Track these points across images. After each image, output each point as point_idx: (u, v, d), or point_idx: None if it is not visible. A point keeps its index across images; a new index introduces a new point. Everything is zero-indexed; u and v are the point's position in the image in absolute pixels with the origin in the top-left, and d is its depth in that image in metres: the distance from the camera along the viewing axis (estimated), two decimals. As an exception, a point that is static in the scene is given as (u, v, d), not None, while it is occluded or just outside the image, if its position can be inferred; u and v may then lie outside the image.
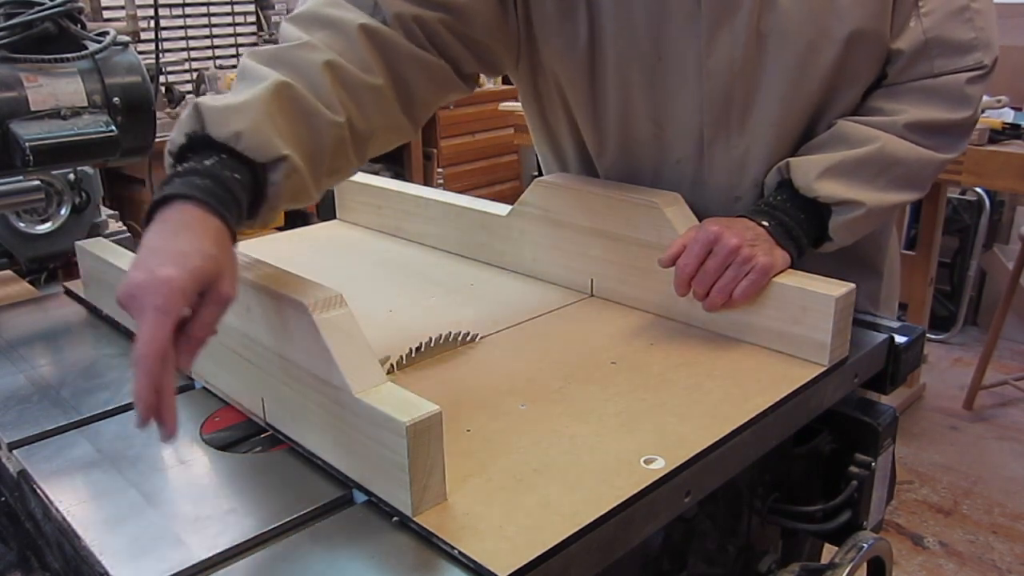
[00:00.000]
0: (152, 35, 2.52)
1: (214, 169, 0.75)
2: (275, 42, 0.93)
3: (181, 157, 0.79)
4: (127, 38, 1.18)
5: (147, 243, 0.70)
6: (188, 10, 3.95)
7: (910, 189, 1.08)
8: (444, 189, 1.38)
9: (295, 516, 0.72)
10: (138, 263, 0.69)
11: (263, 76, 0.83)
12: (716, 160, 1.12)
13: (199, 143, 0.78)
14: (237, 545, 0.69)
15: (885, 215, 1.10)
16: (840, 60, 1.03)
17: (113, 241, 1.22)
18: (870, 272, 1.24)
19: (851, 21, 1.01)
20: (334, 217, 1.59)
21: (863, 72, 1.07)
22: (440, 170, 4.41)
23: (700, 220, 1.08)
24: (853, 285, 0.95)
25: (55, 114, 1.07)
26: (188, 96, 3.70)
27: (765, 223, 1.03)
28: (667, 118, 1.11)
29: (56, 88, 1.07)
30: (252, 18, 4.17)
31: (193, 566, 0.67)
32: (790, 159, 1.07)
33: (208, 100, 0.78)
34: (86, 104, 1.10)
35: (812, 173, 1.04)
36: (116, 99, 1.12)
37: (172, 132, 0.79)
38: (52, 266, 1.43)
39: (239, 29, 4.15)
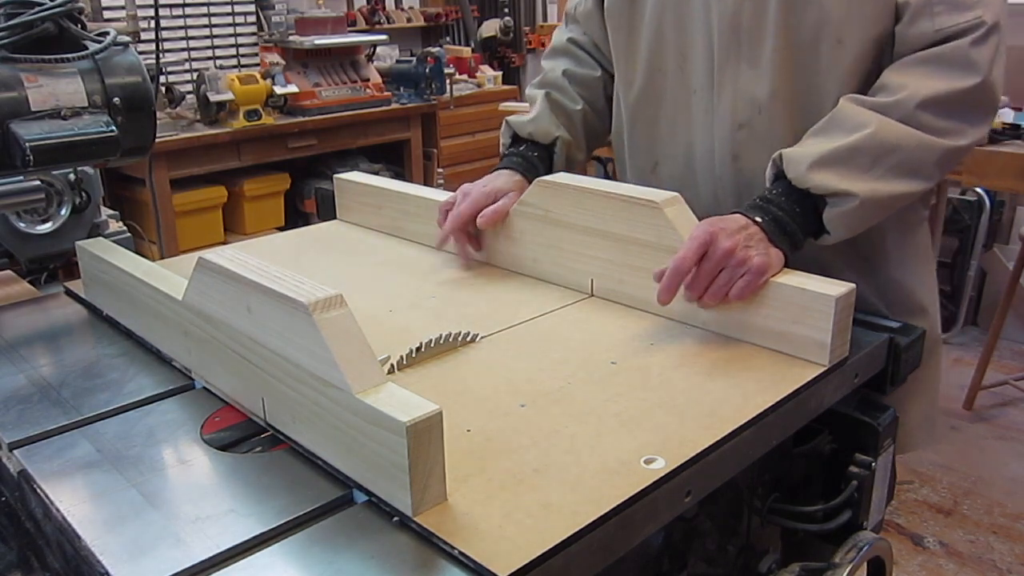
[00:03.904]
0: (152, 35, 2.52)
1: (524, 152, 1.37)
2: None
3: (508, 148, 1.40)
4: (127, 38, 1.17)
5: (484, 178, 1.33)
6: (188, 10, 3.94)
7: (911, 178, 1.06)
8: (444, 189, 1.39)
9: (295, 516, 0.73)
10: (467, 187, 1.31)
11: (536, 96, 1.41)
12: (725, 88, 1.19)
13: (514, 141, 1.41)
14: (237, 545, 0.69)
15: (884, 207, 1.08)
16: None
17: (113, 241, 1.22)
18: (921, 315, 1.23)
19: None
20: (334, 217, 1.59)
21: (867, 9, 1.09)
22: (440, 170, 4.41)
23: (709, 155, 1.22)
24: (853, 285, 0.95)
25: (55, 114, 1.07)
26: (188, 96, 3.70)
27: (759, 219, 1.03)
28: (689, 48, 1.21)
29: (56, 88, 1.07)
30: (252, 18, 4.16)
31: (193, 566, 0.67)
32: (783, 151, 1.07)
33: (514, 118, 1.41)
34: (86, 104, 1.09)
35: (803, 164, 1.04)
36: (116, 99, 1.12)
37: (501, 137, 1.44)
38: (52, 266, 1.43)
39: (239, 29, 4.15)
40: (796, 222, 1.04)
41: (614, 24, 1.32)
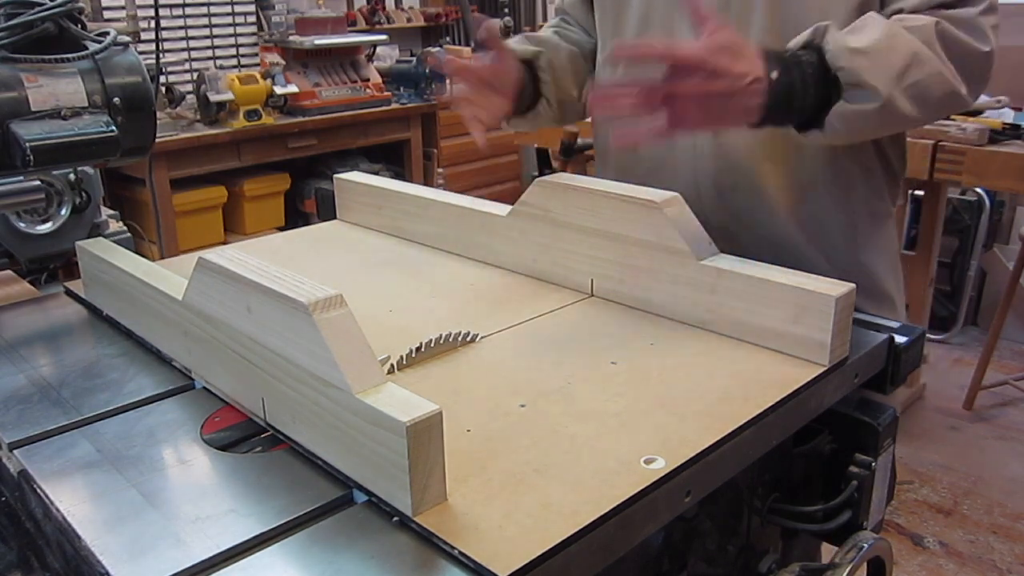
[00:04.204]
0: (152, 35, 2.52)
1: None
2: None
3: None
4: (127, 38, 1.17)
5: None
6: (188, 10, 3.95)
7: (919, 104, 1.04)
8: (444, 189, 1.39)
9: (295, 516, 0.73)
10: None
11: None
12: None
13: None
14: (237, 545, 0.69)
15: (883, 126, 1.06)
16: None
17: (113, 241, 1.22)
18: (889, 305, 1.26)
19: None
20: (334, 217, 1.59)
21: None
22: (440, 170, 4.41)
23: (691, 140, 1.23)
24: (853, 285, 0.95)
25: (55, 114, 1.07)
26: (188, 96, 3.71)
27: (774, 74, 0.98)
28: (676, 31, 1.22)
29: (56, 88, 1.07)
30: (252, 18, 4.17)
31: (193, 566, 0.67)
32: (828, 26, 1.04)
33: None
34: (86, 104, 1.09)
35: (845, 44, 1.01)
36: (116, 99, 1.12)
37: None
38: (52, 266, 1.43)
39: (239, 29, 4.15)
40: (808, 98, 1.01)
41: (602, 8, 1.35)
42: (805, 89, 1.01)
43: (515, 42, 1.34)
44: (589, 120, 1.49)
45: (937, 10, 1.07)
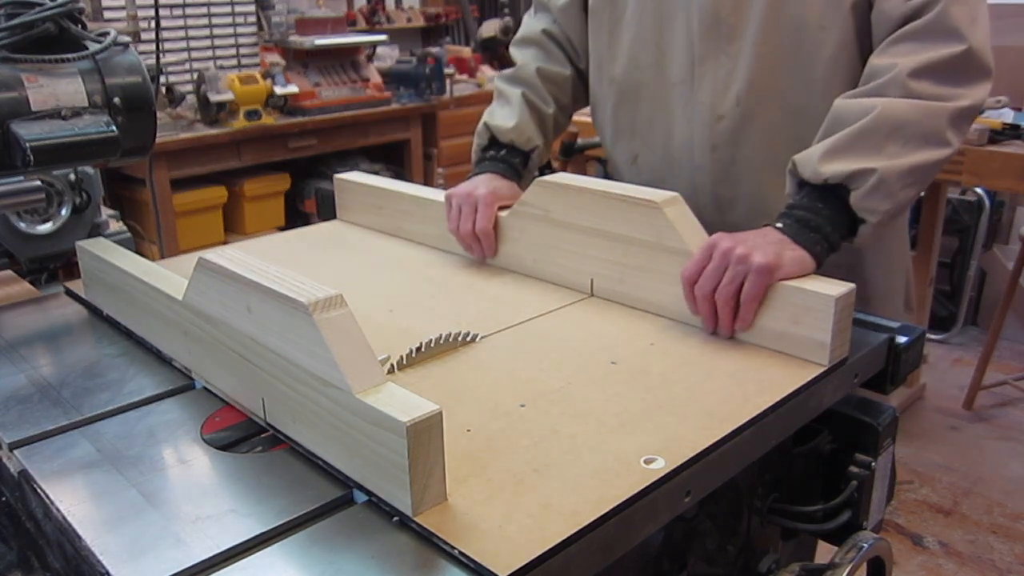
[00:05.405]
0: (152, 35, 2.52)
1: (505, 157, 1.37)
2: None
3: (485, 151, 1.40)
4: (127, 38, 1.17)
5: (473, 180, 1.32)
6: (188, 10, 3.94)
7: (929, 146, 1.05)
8: (444, 189, 1.39)
9: (295, 516, 0.73)
10: (465, 185, 1.30)
11: (513, 97, 1.41)
12: (705, 80, 1.22)
13: (492, 144, 1.39)
14: (237, 545, 0.69)
15: (909, 178, 1.05)
16: None
17: (113, 241, 1.22)
18: (880, 303, 1.26)
19: None
20: (334, 217, 1.59)
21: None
22: (440, 170, 4.41)
23: (688, 146, 1.26)
24: (853, 285, 0.95)
25: (55, 114, 1.07)
26: (188, 96, 3.71)
27: (779, 224, 1.03)
28: (668, 43, 1.24)
29: (57, 88, 1.07)
30: (252, 18, 4.16)
31: (193, 566, 0.67)
32: (795, 157, 1.08)
33: (493, 121, 1.39)
34: (86, 104, 1.09)
35: (815, 159, 1.05)
36: (116, 99, 1.12)
37: (476, 139, 1.42)
38: (52, 266, 1.43)
39: (239, 29, 4.15)
40: (821, 216, 1.03)
41: (597, 23, 1.36)
42: (815, 212, 1.04)
43: (518, 125, 1.37)
44: (590, 120, 1.49)
45: (907, 24, 1.08)
